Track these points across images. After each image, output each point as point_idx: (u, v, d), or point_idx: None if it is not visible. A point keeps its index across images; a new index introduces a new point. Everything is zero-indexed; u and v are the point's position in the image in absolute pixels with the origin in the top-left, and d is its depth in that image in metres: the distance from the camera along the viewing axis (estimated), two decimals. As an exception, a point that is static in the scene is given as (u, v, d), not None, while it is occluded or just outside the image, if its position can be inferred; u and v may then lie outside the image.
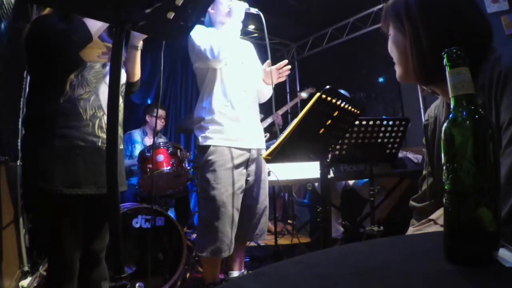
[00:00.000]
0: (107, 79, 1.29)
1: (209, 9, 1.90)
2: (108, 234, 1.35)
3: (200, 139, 1.84)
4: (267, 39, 1.84)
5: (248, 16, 1.85)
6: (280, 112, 3.97)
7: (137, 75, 1.48)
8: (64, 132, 1.19)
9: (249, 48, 2.09)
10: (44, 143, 1.18)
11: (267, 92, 2.05)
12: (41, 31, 1.17)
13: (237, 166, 1.81)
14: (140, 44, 1.42)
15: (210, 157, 1.78)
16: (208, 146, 1.80)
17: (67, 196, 1.17)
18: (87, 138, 1.22)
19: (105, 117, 1.24)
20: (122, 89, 1.40)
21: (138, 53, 1.44)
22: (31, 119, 1.25)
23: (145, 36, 1.37)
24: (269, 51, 1.86)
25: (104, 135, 1.26)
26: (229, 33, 1.76)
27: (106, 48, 1.32)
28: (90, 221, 1.28)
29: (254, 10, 1.83)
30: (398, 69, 0.91)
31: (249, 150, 1.86)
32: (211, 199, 1.75)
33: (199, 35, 1.78)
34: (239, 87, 1.88)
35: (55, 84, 1.21)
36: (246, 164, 1.87)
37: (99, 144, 1.25)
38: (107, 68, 1.29)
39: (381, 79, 4.63)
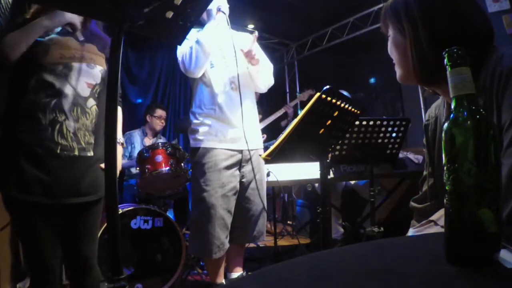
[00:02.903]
0: (71, 81, 1.22)
1: None
2: (97, 239, 1.34)
3: (191, 141, 1.85)
4: (233, 42, 1.78)
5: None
6: (274, 116, 3.87)
7: None
8: (21, 137, 1.15)
9: (245, 43, 1.98)
10: (4, 146, 1.17)
11: (260, 79, 1.95)
12: None
13: (227, 168, 1.79)
14: None
15: (200, 159, 1.79)
16: (198, 148, 1.80)
17: (24, 202, 1.14)
18: (44, 143, 1.16)
19: (67, 122, 1.20)
20: (96, 89, 1.30)
21: None
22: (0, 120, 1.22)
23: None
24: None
25: (64, 142, 1.19)
26: (208, 37, 1.72)
27: (73, 48, 1.24)
28: (70, 227, 1.25)
29: (222, 12, 1.79)
30: (398, 70, 0.90)
31: (241, 151, 1.84)
32: (201, 201, 1.76)
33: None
34: (228, 87, 1.84)
35: (16, 87, 1.19)
36: (238, 165, 1.85)
37: (58, 151, 1.17)
38: (73, 68, 1.23)
39: (372, 80, 4.62)
